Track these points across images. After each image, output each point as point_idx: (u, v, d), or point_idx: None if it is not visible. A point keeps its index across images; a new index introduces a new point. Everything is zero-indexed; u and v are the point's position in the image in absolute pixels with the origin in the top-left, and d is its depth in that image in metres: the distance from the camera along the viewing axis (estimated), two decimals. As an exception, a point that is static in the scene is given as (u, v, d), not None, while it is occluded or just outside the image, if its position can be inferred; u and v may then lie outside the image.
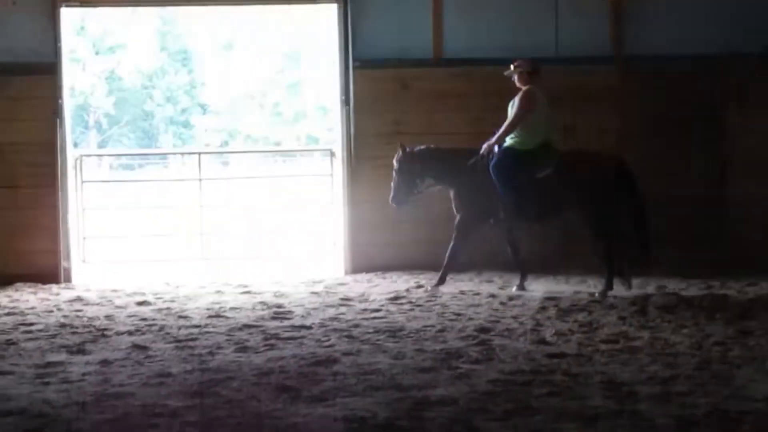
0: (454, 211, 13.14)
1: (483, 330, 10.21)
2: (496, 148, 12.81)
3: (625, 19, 14.91)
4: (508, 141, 12.76)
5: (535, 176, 12.58)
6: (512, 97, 12.94)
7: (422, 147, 13.21)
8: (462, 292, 12.65)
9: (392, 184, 13.17)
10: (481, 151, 12.83)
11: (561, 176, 12.53)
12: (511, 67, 12.86)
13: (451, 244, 13.05)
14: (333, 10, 14.95)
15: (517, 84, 12.85)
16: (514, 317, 10.95)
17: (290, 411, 7.26)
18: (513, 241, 13.14)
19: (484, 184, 12.75)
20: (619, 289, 12.48)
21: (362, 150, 14.52)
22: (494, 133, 12.82)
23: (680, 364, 8.58)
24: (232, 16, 57.88)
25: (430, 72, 14.57)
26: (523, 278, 12.94)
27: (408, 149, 13.13)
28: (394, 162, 13.21)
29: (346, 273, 14.52)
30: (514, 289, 12.80)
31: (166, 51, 60.56)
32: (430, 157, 13.12)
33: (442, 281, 12.97)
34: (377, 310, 11.53)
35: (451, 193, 13.14)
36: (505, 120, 12.78)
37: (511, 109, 12.80)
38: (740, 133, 14.81)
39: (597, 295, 12.33)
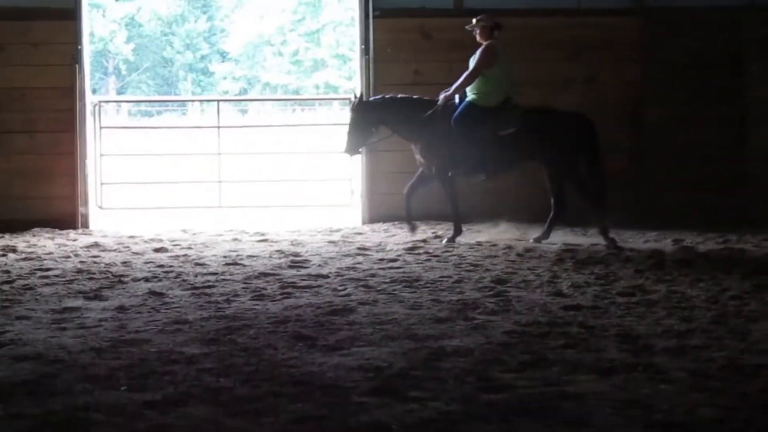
0: (418, 163, 13.16)
1: (499, 281, 10.20)
2: (456, 99, 12.90)
3: (649, -30, 14.80)
4: (471, 96, 12.82)
5: (499, 133, 12.72)
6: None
7: (378, 96, 13.34)
8: (479, 243, 12.64)
9: (346, 132, 13.18)
10: (438, 102, 12.91)
11: (524, 134, 12.68)
12: (473, 21, 12.97)
13: (448, 197, 13.14)
14: (354, -43, 14.89)
15: (478, 39, 12.98)
16: (531, 269, 10.94)
17: (306, 359, 7.27)
18: (454, 194, 13.23)
19: (442, 136, 12.82)
20: (636, 242, 12.47)
21: (382, 99, 14.45)
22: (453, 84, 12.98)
23: (696, 318, 8.56)
24: (252, -37, 57.68)
25: (452, 21, 14.48)
26: (456, 232, 13.03)
27: (363, 98, 13.22)
28: (349, 110, 13.32)
29: (364, 222, 14.53)
30: (444, 241, 12.90)
31: (186, -3, 60.34)
32: (386, 106, 13.11)
33: (458, 232, 12.95)
34: (394, 260, 11.53)
35: (412, 146, 13.19)
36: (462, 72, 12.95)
37: (472, 63, 12.88)
38: (762, 84, 14.73)
39: (532, 241, 12.73)
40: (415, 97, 13.23)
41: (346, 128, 13.15)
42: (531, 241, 12.74)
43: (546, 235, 12.89)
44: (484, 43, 12.87)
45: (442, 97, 12.90)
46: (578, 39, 14.56)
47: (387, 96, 13.25)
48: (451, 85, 12.92)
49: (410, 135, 13.09)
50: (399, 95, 13.21)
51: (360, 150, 13.31)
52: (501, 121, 12.73)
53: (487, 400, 6.30)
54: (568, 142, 12.75)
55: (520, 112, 12.81)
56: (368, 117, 13.05)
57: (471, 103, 12.79)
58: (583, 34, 14.55)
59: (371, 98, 13.16)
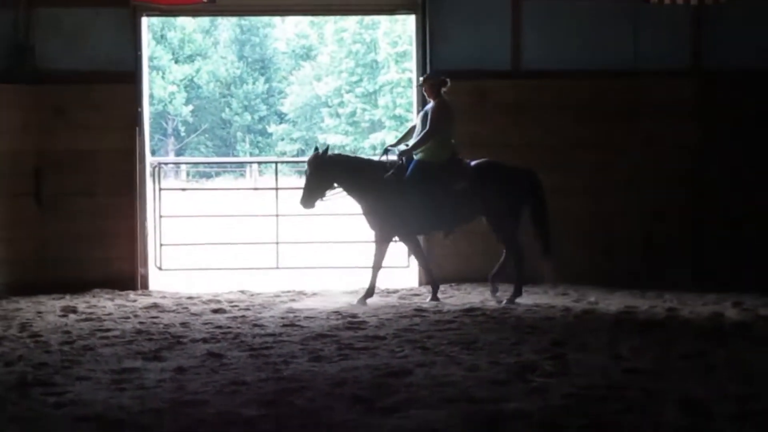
0: (369, 225, 13.27)
1: (557, 343, 10.14)
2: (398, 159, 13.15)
3: (706, 31, 14.79)
4: (419, 155, 12.96)
5: (451, 188, 12.84)
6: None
7: (335, 153, 13.43)
8: (537, 305, 12.60)
9: (303, 185, 13.20)
10: (397, 161, 13.07)
11: (476, 188, 12.85)
12: (420, 79, 13.40)
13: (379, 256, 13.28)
14: (411, 20, 14.99)
15: (427, 96, 13.18)
16: (589, 331, 10.87)
17: (363, 422, 7.26)
18: (422, 253, 13.53)
19: (394, 196, 12.90)
20: (695, 303, 12.39)
21: (438, 161, 14.49)
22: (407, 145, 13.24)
23: (758, 382, 8.47)
24: (310, 26, 58.21)
25: (509, 83, 14.54)
26: (434, 290, 13.21)
27: (320, 153, 13.12)
28: (306, 164, 13.29)
29: (421, 284, 14.52)
30: (428, 299, 13.11)
31: (245, 60, 60.99)
32: (340, 164, 13.16)
33: (518, 293, 12.98)
34: (451, 322, 11.50)
35: (362, 207, 13.24)
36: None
37: (420, 120, 13.10)
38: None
39: (504, 302, 12.74)
40: (363, 157, 13.63)
41: (304, 181, 13.20)
42: (504, 302, 12.82)
43: (518, 292, 13.01)
44: (435, 101, 13.03)
45: (397, 156, 13.12)
46: (635, 100, 14.55)
47: (344, 154, 13.75)
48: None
49: (359, 194, 13.12)
50: (351, 154, 13.35)
51: (315, 204, 13.12)
52: (453, 175, 12.89)
53: (546, 464, 6.26)
54: (516, 194, 13.02)
55: (469, 166, 13.02)
56: (323, 173, 13.01)
57: (421, 161, 12.93)
58: (640, 96, 14.54)
59: (327, 154, 13.12)
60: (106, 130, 14.23)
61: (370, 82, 57.25)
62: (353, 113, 57.00)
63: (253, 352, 9.90)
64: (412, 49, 15.22)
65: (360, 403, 7.78)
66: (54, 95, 14.19)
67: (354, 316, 11.98)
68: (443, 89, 13.07)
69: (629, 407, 7.61)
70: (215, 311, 12.45)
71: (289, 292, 13.86)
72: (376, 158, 13.57)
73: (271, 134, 59.63)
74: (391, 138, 54.24)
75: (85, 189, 14.24)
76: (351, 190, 13.14)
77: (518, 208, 13.02)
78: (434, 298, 13.10)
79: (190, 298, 13.50)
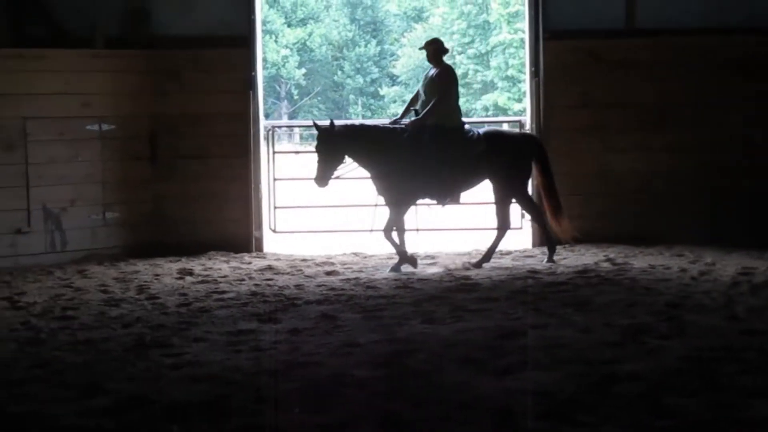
0: (377, 193, 13.06)
1: (673, 305, 10.03)
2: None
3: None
4: (432, 120, 12.76)
5: (467, 153, 12.73)
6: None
7: (343, 124, 13.01)
8: (652, 266, 12.47)
9: (316, 162, 12.72)
10: (408, 128, 12.81)
11: (490, 152, 12.77)
12: (433, 42, 13.12)
13: (397, 225, 13.02)
14: (523, -20, 14.88)
15: (431, 61, 13.04)
16: (705, 292, 10.73)
17: (476, 383, 7.26)
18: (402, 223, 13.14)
19: (411, 163, 12.66)
20: (815, 266, 12.18)
21: (551, 121, 14.41)
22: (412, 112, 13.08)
23: None
24: (421, -13, 58.04)
25: (621, 42, 14.35)
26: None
27: (324, 127, 12.65)
28: (316, 142, 12.83)
29: (534, 245, 14.45)
30: (544, 260, 13.07)
31: (357, 22, 61.07)
32: (347, 135, 12.73)
33: (411, 262, 12.92)
34: (565, 284, 11.43)
35: (372, 176, 12.99)
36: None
37: (426, 87, 12.90)
38: None
39: (545, 262, 12.91)
40: (376, 125, 13.35)
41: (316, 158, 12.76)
42: (544, 261, 13.02)
43: (488, 258, 13.13)
44: (440, 67, 12.92)
45: (408, 123, 12.87)
46: (750, 57, 14.28)
47: (350, 123, 13.28)
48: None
49: (372, 164, 12.80)
50: (360, 123, 13.29)
51: (329, 181, 12.68)
52: (468, 140, 12.82)
53: (660, 426, 6.21)
54: (528, 158, 13.11)
55: (478, 131, 13.00)
56: (332, 146, 12.58)
57: (437, 126, 12.74)
58: (756, 53, 14.26)
59: (334, 127, 12.64)
60: (220, 94, 14.34)
61: (481, 43, 56.96)
62: (465, 75, 56.76)
63: (367, 314, 9.94)
64: (524, 9, 15.10)
65: (472, 365, 7.78)
66: (169, 60, 14.33)
67: (467, 278, 11.96)
68: (444, 56, 13.03)
69: (746, 369, 7.52)
70: (329, 273, 12.53)
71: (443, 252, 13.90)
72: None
73: (383, 96, 59.73)
74: (503, 99, 54.04)
75: (199, 152, 14.37)
76: (364, 157, 12.75)
77: (529, 172, 13.22)
78: (550, 259, 13.04)
79: (303, 260, 13.60)
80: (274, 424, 6.47)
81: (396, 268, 12.67)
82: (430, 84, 12.85)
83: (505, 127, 20.02)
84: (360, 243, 14.76)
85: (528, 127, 14.80)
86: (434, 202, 13.12)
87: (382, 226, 12.90)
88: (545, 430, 6.16)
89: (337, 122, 12.91)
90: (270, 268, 12.96)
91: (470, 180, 12.99)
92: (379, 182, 12.89)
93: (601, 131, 14.34)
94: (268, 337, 9.03)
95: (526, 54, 15.10)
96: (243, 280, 12.14)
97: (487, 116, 53.62)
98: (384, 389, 7.17)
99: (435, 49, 12.96)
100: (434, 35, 57.38)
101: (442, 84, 12.78)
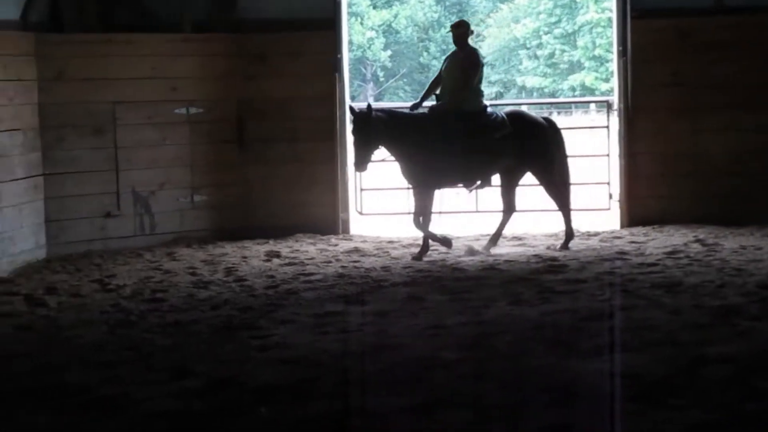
0: (407, 180, 12.80)
1: (764, 286, 9.87)
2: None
3: None
4: (463, 103, 12.54)
5: (492, 136, 12.53)
6: None
7: (378, 110, 12.51)
8: (743, 247, 12.29)
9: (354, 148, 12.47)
10: (432, 113, 12.61)
11: (515, 136, 12.61)
12: (464, 25, 12.84)
13: (425, 212, 12.68)
14: (611, -43, 14.72)
15: (457, 43, 12.77)
16: (798, 273, 10.56)
17: (564, 365, 7.22)
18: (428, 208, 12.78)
19: (440, 147, 12.37)
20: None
21: (640, 101, 14.25)
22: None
23: None
24: (507, -33, 57.75)
25: (711, 21, 14.13)
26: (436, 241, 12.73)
27: (357, 111, 12.30)
28: (352, 125, 12.51)
29: (622, 226, 14.33)
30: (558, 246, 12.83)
31: (442, 3, 60.92)
32: (378, 121, 12.26)
33: (570, 237, 12.96)
34: (654, 265, 11.32)
35: (401, 162, 12.63)
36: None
37: (451, 70, 12.59)
38: None
39: (559, 248, 12.73)
40: (400, 110, 13.05)
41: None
42: (482, 250, 12.73)
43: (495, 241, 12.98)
44: (468, 48, 12.71)
45: (436, 108, 12.62)
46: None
47: (383, 109, 12.87)
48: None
49: (397, 149, 12.46)
50: (388, 108, 12.96)
51: (365, 165, 12.30)
52: (495, 124, 12.61)
53: (751, 410, 6.13)
54: (552, 146, 12.93)
55: (502, 114, 12.82)
56: (365, 130, 12.18)
57: (464, 111, 12.54)
58: None
59: (366, 111, 12.22)
60: (306, 77, 14.36)
61: (568, 23, 56.54)
62: (552, 55, 56.44)
63: (453, 296, 9.92)
64: (612, -13, 14.94)
65: (560, 347, 7.73)
66: (255, 43, 14.38)
67: (554, 259, 11.89)
68: (470, 37, 12.84)
69: (840, 352, 7.39)
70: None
71: (488, 235, 13.81)
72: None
73: (469, 77, 59.48)
74: (590, 79, 53.63)
75: (286, 135, 14.41)
76: (390, 142, 12.34)
77: (553, 157, 12.94)
78: (565, 246, 12.84)
79: (390, 242, 13.60)
80: (361, 406, 6.48)
81: (419, 258, 12.37)
82: (456, 67, 12.58)
83: (592, 108, 19.80)
84: (446, 224, 14.70)
85: (615, 107, 14.65)
86: (462, 186, 13.00)
87: (416, 213, 12.68)
88: (634, 412, 6.11)
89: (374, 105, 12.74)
90: (356, 250, 12.99)
91: (497, 163, 12.76)
92: (404, 167, 12.62)
93: (691, 111, 14.15)
94: (355, 319, 9.06)
95: (613, 33, 14.94)
96: (330, 262, 12.18)
97: (573, 96, 53.27)
98: (471, 371, 7.16)
99: (463, 32, 12.72)
100: (520, 15, 56.91)
101: (470, 68, 12.56)
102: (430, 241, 12.59)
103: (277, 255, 12.68)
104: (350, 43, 17.97)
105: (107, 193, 13.57)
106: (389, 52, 59.07)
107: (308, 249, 13.17)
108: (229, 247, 13.46)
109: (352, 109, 12.39)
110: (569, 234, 12.96)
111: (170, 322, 9.17)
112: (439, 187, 12.82)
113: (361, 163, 12.26)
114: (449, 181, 12.81)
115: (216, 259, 12.52)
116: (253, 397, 6.75)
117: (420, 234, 12.64)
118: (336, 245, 13.45)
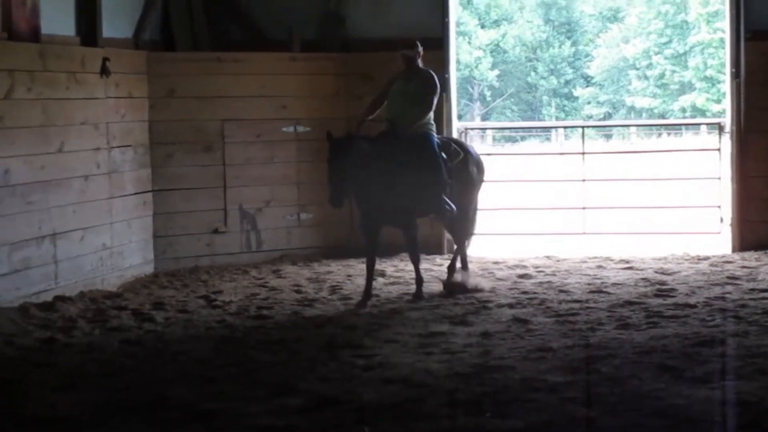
0: (367, 216, 11.39)
1: None
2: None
3: None
4: (424, 129, 11.52)
5: (451, 164, 11.61)
6: None
7: (356, 136, 11.24)
8: None
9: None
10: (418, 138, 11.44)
11: (465, 163, 11.87)
12: (419, 46, 11.71)
13: (413, 241, 11.60)
14: (723, -23, 14.51)
15: (411, 65, 11.62)
16: None
17: (672, 391, 7.11)
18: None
19: (408, 175, 11.22)
20: None
21: (752, 124, 14.02)
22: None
23: None
24: (617, -13, 57.40)
25: (826, 43, 13.88)
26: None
27: (335, 138, 11.07)
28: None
29: (734, 250, 14.10)
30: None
31: (551, 23, 60.74)
32: (357, 149, 11.02)
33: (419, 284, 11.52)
34: (766, 290, 11.11)
35: (358, 197, 11.25)
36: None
37: (402, 91, 11.50)
38: None
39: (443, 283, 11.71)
40: (360, 136, 11.31)
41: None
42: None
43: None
44: (428, 70, 11.65)
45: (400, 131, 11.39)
46: None
47: (356, 134, 11.31)
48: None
49: (366, 182, 11.07)
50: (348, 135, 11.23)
51: (342, 201, 10.93)
52: (452, 151, 11.75)
53: None
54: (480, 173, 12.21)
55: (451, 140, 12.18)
56: (341, 160, 10.90)
57: (430, 134, 11.56)
58: None
59: (345, 137, 11.10)
60: (413, 96, 14.35)
61: (679, 43, 56.00)
62: (662, 75, 55.90)
63: (559, 318, 9.85)
64: (725, 8, 14.74)
65: (668, 372, 7.63)
66: (363, 62, 14.43)
67: (663, 283, 11.73)
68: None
69: None
70: (521, 276, 12.45)
71: (595, 258, 13.70)
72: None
73: (577, 98, 59.23)
74: (701, 100, 52.98)
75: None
76: (355, 178, 10.97)
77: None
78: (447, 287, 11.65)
79: (495, 263, 13.53)
80: (465, 428, 6.44)
81: (418, 295, 11.35)
82: (415, 91, 11.49)
83: (703, 129, 19.56)
84: (553, 246, 14.60)
85: (727, 129, 14.43)
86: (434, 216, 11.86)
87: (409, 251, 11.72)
88: (745, 441, 6.00)
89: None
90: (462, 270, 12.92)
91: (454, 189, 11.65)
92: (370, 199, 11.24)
93: (806, 134, 13.90)
94: (460, 340, 9.02)
95: (726, 54, 14.73)
96: (434, 282, 12.14)
97: (684, 117, 52.70)
98: (577, 395, 7.09)
99: (418, 54, 11.65)
100: (630, 35, 56.41)
101: (434, 92, 11.52)
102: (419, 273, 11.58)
103: (382, 274, 12.68)
104: (458, 62, 17.95)
105: (215, 210, 13.70)
106: (497, 72, 58.98)
107: (413, 269, 13.11)
108: (334, 265, 13.49)
109: (329, 136, 11.07)
110: (464, 263, 12.16)
111: (275, 340, 9.20)
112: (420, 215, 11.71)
113: (338, 197, 10.90)
114: (424, 212, 11.70)
115: (321, 277, 12.57)
116: (356, 417, 6.74)
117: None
118: (441, 265, 13.39)
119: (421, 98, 11.51)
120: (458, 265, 12.14)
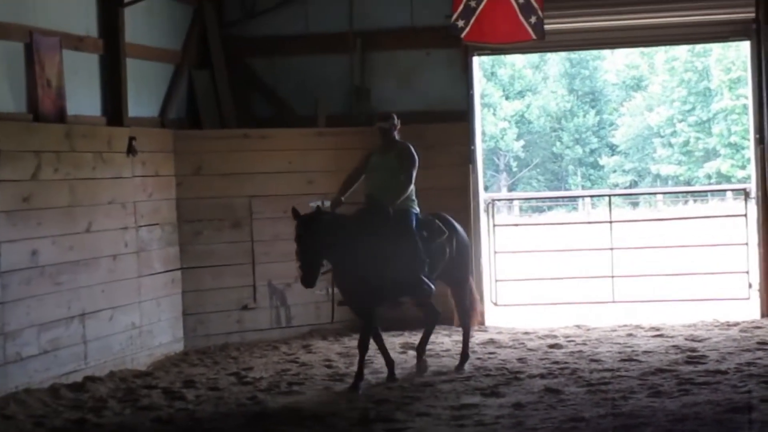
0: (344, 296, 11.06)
1: None
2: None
3: None
4: (405, 204, 11.01)
5: (433, 242, 11.09)
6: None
7: (324, 212, 10.77)
8: None
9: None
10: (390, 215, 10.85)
11: (448, 239, 11.33)
12: (395, 118, 11.30)
13: (370, 331, 10.90)
14: (746, 46, 14.57)
15: (392, 137, 11.23)
16: None
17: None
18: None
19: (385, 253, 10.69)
20: None
21: (779, 190, 13.98)
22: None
23: None
24: (640, 56, 57.63)
25: None
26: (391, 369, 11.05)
27: (302, 215, 10.52)
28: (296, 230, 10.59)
29: (763, 315, 14.02)
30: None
31: (575, 93, 60.96)
32: (324, 223, 10.52)
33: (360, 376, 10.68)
34: (797, 356, 11.05)
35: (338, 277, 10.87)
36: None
37: (380, 165, 11.08)
38: None
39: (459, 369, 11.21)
40: (329, 212, 10.94)
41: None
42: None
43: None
44: (406, 144, 11.22)
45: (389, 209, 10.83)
46: None
47: (324, 209, 10.95)
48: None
49: (340, 259, 10.64)
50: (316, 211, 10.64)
51: (314, 281, 10.40)
52: (435, 227, 11.21)
53: None
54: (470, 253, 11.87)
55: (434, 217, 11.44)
56: (312, 238, 10.39)
57: (411, 212, 11.05)
58: None
59: (313, 214, 10.56)
60: (440, 168, 14.38)
61: (703, 110, 56.08)
62: (686, 142, 55.94)
63: (591, 388, 9.80)
64: (747, 74, 14.76)
65: (702, 441, 7.57)
66: (389, 136, 14.47)
67: (693, 350, 11.67)
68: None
69: None
70: (551, 346, 12.40)
71: (625, 326, 13.63)
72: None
73: (602, 166, 59.28)
74: (726, 166, 52.93)
75: (420, 227, 14.39)
76: (343, 250, 10.57)
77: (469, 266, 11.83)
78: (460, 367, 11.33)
79: (526, 333, 13.48)
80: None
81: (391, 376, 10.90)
82: (392, 164, 11.06)
83: (729, 195, 19.50)
84: (583, 315, 14.54)
85: (753, 195, 14.40)
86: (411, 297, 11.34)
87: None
88: None
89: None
90: (492, 341, 12.90)
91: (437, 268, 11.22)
92: (353, 278, 10.75)
93: (832, 197, 13.85)
94: (492, 412, 8.98)
95: (750, 120, 14.73)
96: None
97: (709, 184, 52.63)
98: (611, 466, 7.04)
99: (393, 126, 11.22)
100: (654, 104, 56.48)
101: (412, 165, 11.06)
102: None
103: (413, 347, 12.63)
104: (483, 133, 18.03)
105: (244, 286, 13.71)
106: (522, 142, 59.14)
107: (443, 341, 13.11)
108: (364, 339, 13.44)
109: (295, 213, 10.52)
110: (464, 350, 11.58)
111: (307, 415, 9.17)
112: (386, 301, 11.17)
113: (308, 278, 10.37)
114: (400, 292, 11.12)
115: (352, 352, 12.53)
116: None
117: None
118: (472, 337, 13.34)
119: (402, 172, 11.04)
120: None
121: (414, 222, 11.02)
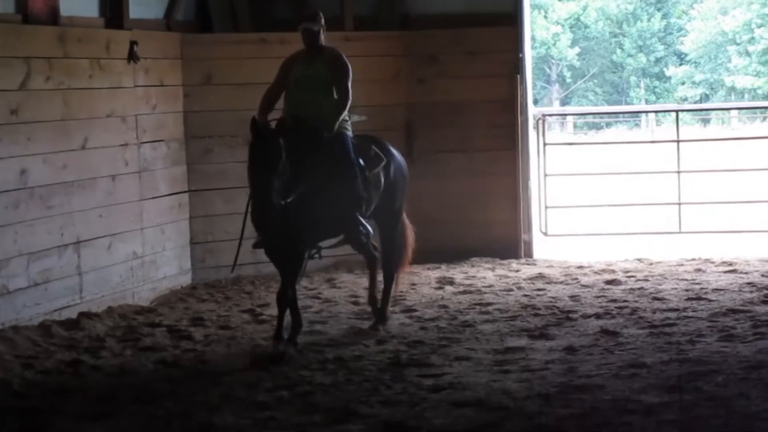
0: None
1: None
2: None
3: None
4: (338, 126, 10.24)
5: (369, 172, 10.36)
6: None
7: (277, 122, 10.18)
8: None
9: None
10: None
11: (387, 170, 10.62)
12: (322, 18, 10.47)
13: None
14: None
15: (320, 43, 10.40)
16: None
17: (785, 412, 7.08)
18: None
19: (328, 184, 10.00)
20: None
21: None
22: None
23: None
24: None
25: None
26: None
27: (263, 127, 9.95)
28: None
29: None
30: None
31: (638, -7, 60.53)
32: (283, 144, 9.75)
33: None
34: None
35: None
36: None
37: (306, 77, 10.30)
38: None
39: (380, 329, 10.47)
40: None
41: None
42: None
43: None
44: (328, 50, 10.43)
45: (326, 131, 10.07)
46: None
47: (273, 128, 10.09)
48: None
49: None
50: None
51: (275, 210, 9.87)
52: (371, 155, 10.50)
53: None
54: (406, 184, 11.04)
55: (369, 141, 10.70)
56: (269, 155, 9.81)
57: (347, 135, 10.34)
58: None
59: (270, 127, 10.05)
60: (483, 79, 14.33)
61: (786, 14, 55.67)
62: (766, 51, 55.51)
63: (653, 330, 9.83)
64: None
65: (781, 391, 7.60)
66: (425, 42, 14.41)
67: (772, 287, 11.68)
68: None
69: None
70: (609, 282, 12.41)
71: (693, 260, 13.62)
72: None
73: (669, 78, 58.99)
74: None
75: (460, 145, 14.39)
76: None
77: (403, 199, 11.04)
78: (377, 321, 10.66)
79: (579, 267, 13.49)
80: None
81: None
82: (320, 75, 10.28)
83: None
84: (645, 247, 14.53)
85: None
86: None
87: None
88: None
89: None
90: (541, 276, 12.91)
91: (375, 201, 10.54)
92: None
93: None
94: (540, 356, 9.01)
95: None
96: (511, 290, 12.13)
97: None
98: (675, 417, 7.08)
99: (321, 29, 10.40)
100: (729, 6, 55.91)
101: (347, 76, 10.28)
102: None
103: (451, 282, 12.67)
104: (533, 39, 17.92)
105: (260, 212, 13.71)
106: (577, 50, 58.85)
107: (486, 275, 13.13)
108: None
109: (254, 123, 9.89)
110: (383, 303, 10.81)
111: (330, 358, 9.21)
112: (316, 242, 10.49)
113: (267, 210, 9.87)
114: (332, 234, 10.58)
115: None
116: (424, 445, 6.75)
117: None
118: (518, 271, 13.39)
119: (335, 85, 10.25)
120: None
121: (351, 149, 10.29)
